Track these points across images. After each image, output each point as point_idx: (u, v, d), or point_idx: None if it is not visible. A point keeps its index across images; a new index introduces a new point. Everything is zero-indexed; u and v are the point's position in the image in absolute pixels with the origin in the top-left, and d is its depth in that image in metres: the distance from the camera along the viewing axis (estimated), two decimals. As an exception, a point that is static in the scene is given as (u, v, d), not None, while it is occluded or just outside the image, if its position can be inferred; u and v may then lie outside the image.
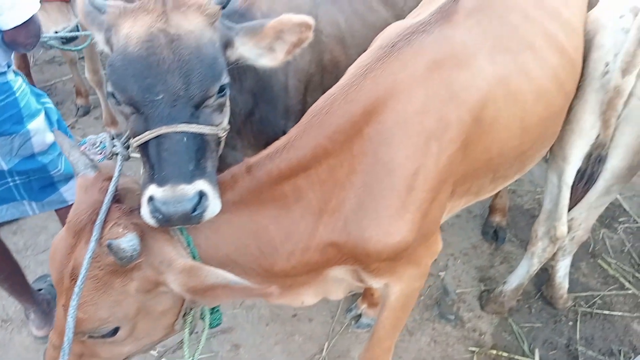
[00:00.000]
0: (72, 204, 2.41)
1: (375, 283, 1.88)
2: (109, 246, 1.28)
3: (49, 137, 2.28)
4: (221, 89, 1.55)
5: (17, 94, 2.10)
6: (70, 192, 2.46)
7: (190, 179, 1.42)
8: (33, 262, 3.38)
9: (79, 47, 3.20)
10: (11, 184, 2.29)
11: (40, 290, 3.01)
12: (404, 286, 1.93)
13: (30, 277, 3.21)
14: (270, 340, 3.00)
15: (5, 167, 2.19)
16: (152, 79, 1.43)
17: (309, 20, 1.60)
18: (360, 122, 1.62)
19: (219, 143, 1.64)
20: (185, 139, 1.45)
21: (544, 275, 3.22)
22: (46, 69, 5.30)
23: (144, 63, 1.44)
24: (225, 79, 1.56)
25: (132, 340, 1.56)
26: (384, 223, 1.64)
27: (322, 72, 2.44)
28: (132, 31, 1.48)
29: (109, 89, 1.51)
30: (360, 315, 3.07)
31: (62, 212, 2.57)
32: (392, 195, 1.63)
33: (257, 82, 2.19)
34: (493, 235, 3.66)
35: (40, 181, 2.34)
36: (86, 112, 4.62)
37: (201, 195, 1.44)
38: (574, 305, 3.22)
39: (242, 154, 2.33)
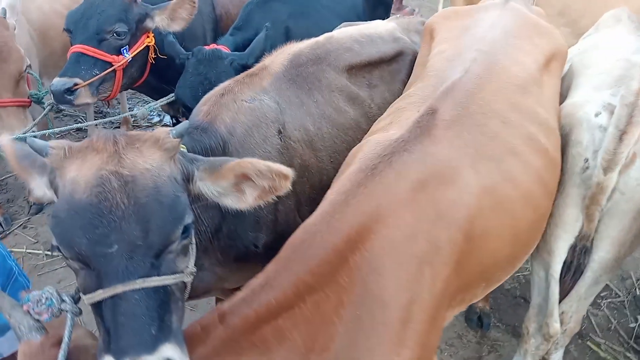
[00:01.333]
0: (7, 355, 2.18)
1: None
2: None
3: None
4: (185, 230, 1.38)
5: None
6: (6, 344, 2.10)
7: (152, 347, 1.22)
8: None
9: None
10: None
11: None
12: None
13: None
14: None
15: None
16: (104, 229, 1.25)
17: (283, 169, 1.44)
18: (345, 251, 1.48)
19: (184, 289, 1.45)
20: (144, 297, 1.26)
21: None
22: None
23: (94, 211, 1.26)
24: (188, 219, 1.39)
25: None
26: None
27: (294, 179, 2.32)
28: (80, 175, 1.31)
29: (54, 242, 1.32)
30: None
31: None
32: (387, 330, 1.48)
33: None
34: (477, 321, 3.51)
35: None
36: (39, 210, 4.34)
37: None
38: (570, 396, 3.06)
39: (210, 272, 2.14)
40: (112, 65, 2.85)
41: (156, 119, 5.69)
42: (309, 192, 2.37)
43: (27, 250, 4.00)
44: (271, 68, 2.26)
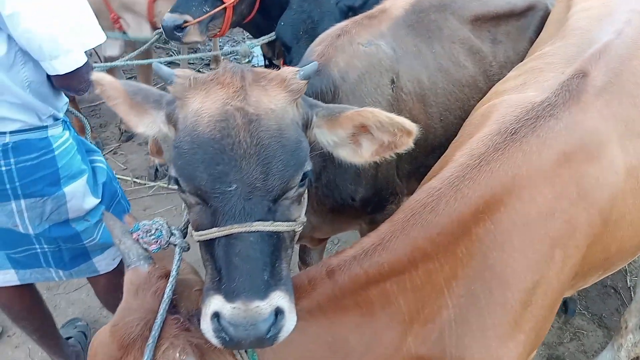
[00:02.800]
0: (104, 273, 2.24)
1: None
2: None
3: (89, 202, 2.02)
4: (303, 177, 1.30)
5: (55, 152, 1.86)
6: (104, 262, 2.22)
7: (265, 293, 1.16)
8: (64, 301, 3.18)
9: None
10: (38, 250, 2.04)
11: (69, 338, 2.78)
12: None
13: (60, 318, 3.03)
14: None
15: (32, 232, 1.93)
16: (225, 167, 1.19)
17: (407, 124, 1.29)
18: (470, 221, 1.34)
19: (294, 239, 1.38)
20: (260, 240, 1.19)
21: None
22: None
23: (215, 147, 1.19)
24: (308, 166, 1.30)
25: None
26: (491, 344, 1.36)
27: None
28: (204, 107, 1.24)
29: (173, 173, 1.26)
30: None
31: (94, 279, 2.34)
32: (504, 311, 1.35)
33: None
34: (562, 307, 3.30)
35: (71, 251, 2.09)
36: (130, 138, 4.46)
37: (277, 312, 1.18)
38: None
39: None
40: (223, 3, 2.76)
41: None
42: (412, 149, 2.23)
43: (117, 176, 4.14)
44: (391, 12, 2.09)
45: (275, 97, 1.27)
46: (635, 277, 3.34)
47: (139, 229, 1.33)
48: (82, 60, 1.76)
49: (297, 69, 1.34)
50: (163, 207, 3.90)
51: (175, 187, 1.29)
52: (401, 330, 1.38)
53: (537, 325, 1.41)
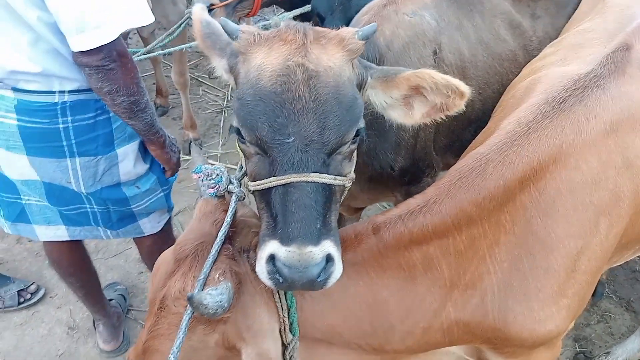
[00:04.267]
0: (149, 235, 2.33)
1: (500, 365, 1.63)
2: (190, 300, 1.14)
3: (140, 167, 2.09)
4: (357, 134, 1.36)
5: (110, 114, 1.92)
6: (149, 225, 2.31)
7: (317, 240, 1.23)
8: (103, 266, 3.28)
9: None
10: (88, 209, 2.13)
11: (110, 300, 2.90)
12: None
13: (100, 282, 3.14)
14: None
15: (84, 191, 2.01)
16: (285, 119, 1.26)
17: (461, 86, 1.33)
18: (516, 187, 1.37)
19: (342, 195, 1.43)
20: (315, 191, 1.26)
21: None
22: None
23: (277, 100, 1.26)
24: (361, 123, 1.36)
25: None
26: (534, 308, 1.40)
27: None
28: (266, 62, 1.30)
29: (235, 124, 1.34)
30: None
31: (139, 240, 2.44)
32: (548, 276, 1.38)
33: (371, 111, 1.99)
34: (591, 288, 3.30)
35: (119, 213, 2.17)
36: (164, 113, 4.54)
37: (328, 259, 1.25)
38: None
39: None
40: (253, -18, 2.72)
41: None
42: (450, 122, 2.24)
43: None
44: (434, -17, 2.09)
45: (334, 55, 1.33)
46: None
47: (201, 171, 1.41)
48: (109, 37, 1.66)
49: (356, 29, 1.38)
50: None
51: (237, 137, 1.36)
52: (441, 295, 1.42)
53: (580, 291, 1.44)
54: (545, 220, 1.37)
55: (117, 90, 1.74)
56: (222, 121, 4.56)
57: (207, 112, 4.68)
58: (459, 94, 1.34)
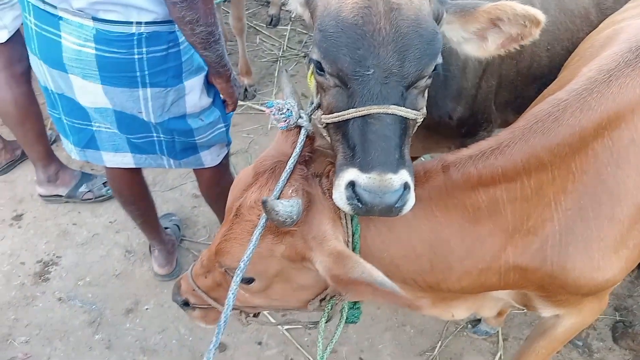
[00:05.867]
0: (208, 167, 2.43)
1: (548, 312, 1.67)
2: (263, 204, 1.20)
3: (204, 100, 2.16)
4: (435, 68, 1.37)
5: (181, 47, 1.99)
6: (209, 157, 2.40)
7: (396, 168, 1.28)
8: (160, 198, 3.43)
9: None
10: (155, 138, 2.23)
11: (166, 228, 3.06)
12: (579, 320, 1.71)
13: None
14: (380, 326, 2.89)
15: (153, 120, 2.11)
16: (366, 51, 1.28)
17: (539, 15, 1.33)
18: (589, 136, 1.37)
19: (414, 129, 1.46)
20: (393, 122, 1.30)
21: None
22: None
23: (358, 32, 1.28)
24: (440, 59, 1.37)
25: (263, 296, 1.52)
26: (595, 255, 1.41)
27: (502, 57, 2.17)
28: None
29: (315, 56, 1.36)
30: (479, 321, 2.87)
31: (199, 172, 2.54)
32: (612, 225, 1.39)
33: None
34: (638, 261, 3.26)
35: (183, 143, 2.27)
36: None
37: (405, 187, 1.30)
38: None
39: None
40: None
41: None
42: (514, 76, 2.23)
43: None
44: None
45: None
46: None
47: (272, 105, 1.46)
48: None
49: None
50: (251, 125, 4.07)
51: (315, 70, 1.39)
52: (503, 239, 1.44)
53: None
54: (616, 170, 1.37)
55: (198, 19, 1.80)
56: (276, 70, 4.60)
57: (263, 60, 4.72)
58: (535, 22, 1.34)
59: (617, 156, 1.37)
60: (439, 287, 1.51)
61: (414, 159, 2.71)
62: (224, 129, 2.34)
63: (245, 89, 4.16)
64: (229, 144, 2.48)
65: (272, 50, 4.83)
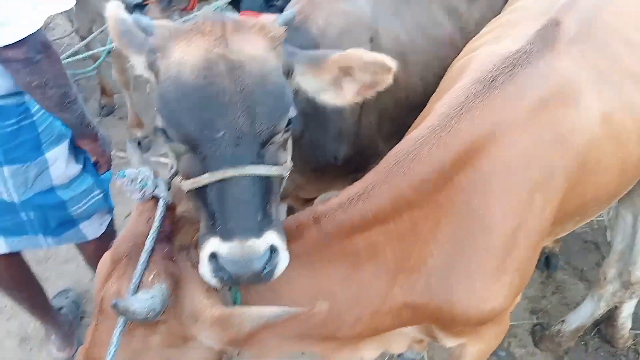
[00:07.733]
0: (92, 240, 2.25)
1: (452, 342, 1.66)
2: (114, 307, 1.11)
3: (72, 169, 2.02)
4: (288, 122, 1.33)
5: (34, 117, 1.85)
6: (91, 228, 2.24)
7: (259, 232, 1.22)
8: (54, 273, 3.19)
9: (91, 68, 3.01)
10: (24, 218, 2.04)
11: (61, 308, 2.81)
12: (483, 346, 1.73)
13: (51, 290, 3.02)
14: None
15: (17, 200, 1.94)
16: (212, 113, 1.21)
17: (387, 61, 1.32)
18: (451, 169, 1.38)
19: (281, 184, 1.41)
20: (251, 183, 1.23)
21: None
22: (70, 64, 5.06)
23: (201, 94, 1.22)
24: (293, 112, 1.34)
25: None
26: (477, 286, 1.42)
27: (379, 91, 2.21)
28: (186, 56, 1.25)
29: (160, 124, 1.29)
30: (404, 347, 2.84)
31: (83, 246, 2.36)
32: (488, 254, 1.41)
33: (309, 101, 1.97)
34: (545, 262, 3.39)
35: (57, 218, 2.10)
36: (110, 112, 4.42)
37: (272, 250, 1.24)
38: (634, 344, 2.96)
39: (288, 179, 2.11)
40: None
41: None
42: (393, 108, 2.25)
43: (99, 150, 4.10)
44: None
45: (256, 43, 1.29)
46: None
47: (124, 176, 1.35)
48: (34, 27, 1.62)
49: (276, 15, 1.37)
50: (145, 181, 3.88)
51: (163, 137, 1.31)
52: (388, 280, 1.42)
53: (521, 267, 1.47)
54: (483, 200, 1.39)
55: (47, 82, 1.69)
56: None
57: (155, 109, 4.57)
58: (385, 69, 1.33)
59: (482, 186, 1.39)
60: (335, 337, 1.47)
61: (310, 200, 2.68)
62: (101, 195, 2.18)
63: (139, 142, 3.99)
64: (110, 210, 2.32)
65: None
